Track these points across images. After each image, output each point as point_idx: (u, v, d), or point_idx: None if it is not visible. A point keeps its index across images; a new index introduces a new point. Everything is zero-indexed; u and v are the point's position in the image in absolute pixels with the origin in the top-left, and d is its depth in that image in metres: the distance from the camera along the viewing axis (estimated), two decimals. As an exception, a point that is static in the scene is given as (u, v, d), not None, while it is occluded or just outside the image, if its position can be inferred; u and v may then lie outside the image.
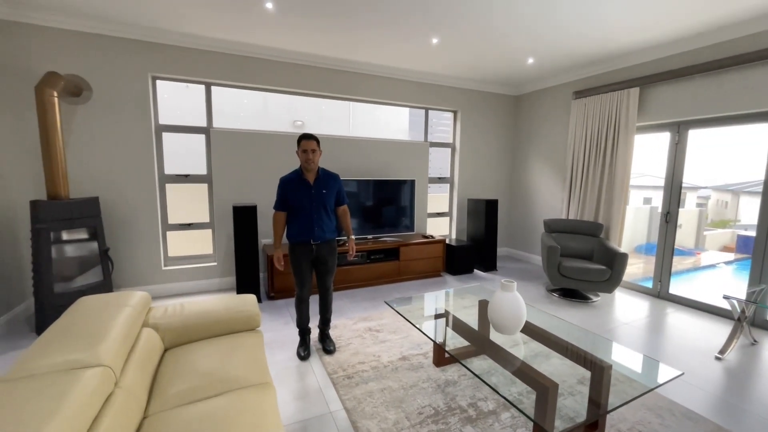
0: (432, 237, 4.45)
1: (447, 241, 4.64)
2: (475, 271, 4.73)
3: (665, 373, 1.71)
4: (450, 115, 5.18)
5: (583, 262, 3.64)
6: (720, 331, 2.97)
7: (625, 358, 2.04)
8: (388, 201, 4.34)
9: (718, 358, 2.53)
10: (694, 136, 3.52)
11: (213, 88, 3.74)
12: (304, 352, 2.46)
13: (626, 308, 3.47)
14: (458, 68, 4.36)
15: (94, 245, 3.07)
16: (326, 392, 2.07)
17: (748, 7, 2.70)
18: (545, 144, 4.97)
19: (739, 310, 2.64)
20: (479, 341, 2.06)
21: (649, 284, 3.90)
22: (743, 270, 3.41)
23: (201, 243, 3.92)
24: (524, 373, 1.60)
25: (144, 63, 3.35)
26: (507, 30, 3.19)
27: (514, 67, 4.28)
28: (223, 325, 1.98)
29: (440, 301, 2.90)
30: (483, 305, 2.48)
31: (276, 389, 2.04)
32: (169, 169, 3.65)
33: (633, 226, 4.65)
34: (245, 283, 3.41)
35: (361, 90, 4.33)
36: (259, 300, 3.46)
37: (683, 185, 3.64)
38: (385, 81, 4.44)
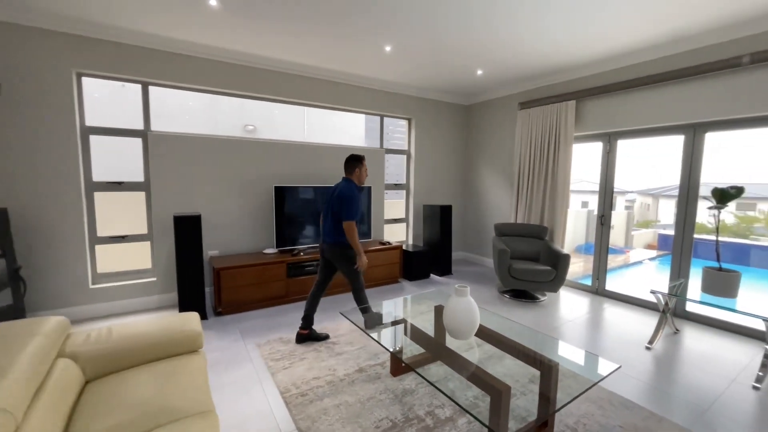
0: (389, 243, 4.45)
1: (404, 247, 4.67)
2: (432, 276, 4.80)
3: (605, 367, 1.83)
4: (405, 122, 5.26)
5: (531, 264, 3.84)
6: (649, 322, 3.28)
7: (569, 354, 2.16)
8: (345, 208, 4.27)
9: (648, 348, 2.78)
10: (622, 145, 3.89)
11: (152, 88, 3.45)
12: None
13: (570, 306, 3.71)
14: (412, 77, 4.44)
15: (2, 264, 2.66)
16: (277, 413, 1.94)
17: (661, 34, 3.05)
18: (494, 151, 5.22)
19: (663, 303, 2.92)
20: (435, 348, 2.07)
21: (589, 282, 4.21)
22: (665, 265, 3.80)
23: (138, 257, 3.57)
24: (478, 377, 1.62)
25: (68, 58, 3.00)
26: (456, 41, 3.30)
27: (465, 77, 4.45)
28: (159, 348, 1.79)
29: (397, 309, 2.88)
30: (439, 311, 2.50)
31: (219, 416, 1.88)
32: (99, 176, 3.28)
33: (574, 228, 5.02)
34: (189, 299, 3.15)
35: (314, 95, 4.25)
36: (205, 317, 3.21)
37: (614, 190, 3.99)
38: (339, 87, 4.40)
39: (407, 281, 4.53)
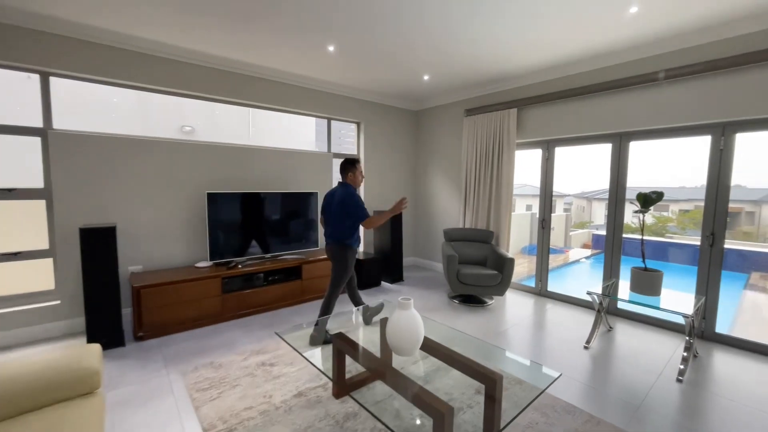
0: (338, 251, 4.27)
1: (354, 255, 4.51)
2: (383, 283, 4.69)
3: (548, 374, 1.82)
4: (355, 126, 5.13)
5: (478, 269, 3.88)
6: (586, 320, 3.43)
7: (515, 363, 2.15)
8: (291, 215, 4.03)
9: (586, 348, 2.88)
10: (560, 152, 4.09)
11: (58, 80, 2.97)
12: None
13: (515, 309, 3.79)
14: (359, 79, 4.33)
15: None
16: (198, 457, 1.68)
17: (590, 48, 3.23)
18: (443, 157, 5.27)
19: (598, 303, 3.07)
20: (377, 366, 1.93)
21: (532, 283, 4.36)
22: (599, 263, 4.04)
23: (37, 277, 3.03)
24: (420, 398, 1.51)
25: (-67, 38, 2.47)
26: (396, 42, 3.24)
27: (412, 82, 4.43)
28: (39, 394, 1.46)
29: (344, 322, 2.72)
30: (384, 324, 2.38)
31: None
32: (-19, 182, 2.74)
33: (518, 231, 5.21)
34: (100, 323, 2.71)
35: (257, 95, 3.96)
36: (122, 344, 2.79)
37: (554, 194, 4.18)
38: (284, 87, 4.15)
39: (357, 290, 4.36)
